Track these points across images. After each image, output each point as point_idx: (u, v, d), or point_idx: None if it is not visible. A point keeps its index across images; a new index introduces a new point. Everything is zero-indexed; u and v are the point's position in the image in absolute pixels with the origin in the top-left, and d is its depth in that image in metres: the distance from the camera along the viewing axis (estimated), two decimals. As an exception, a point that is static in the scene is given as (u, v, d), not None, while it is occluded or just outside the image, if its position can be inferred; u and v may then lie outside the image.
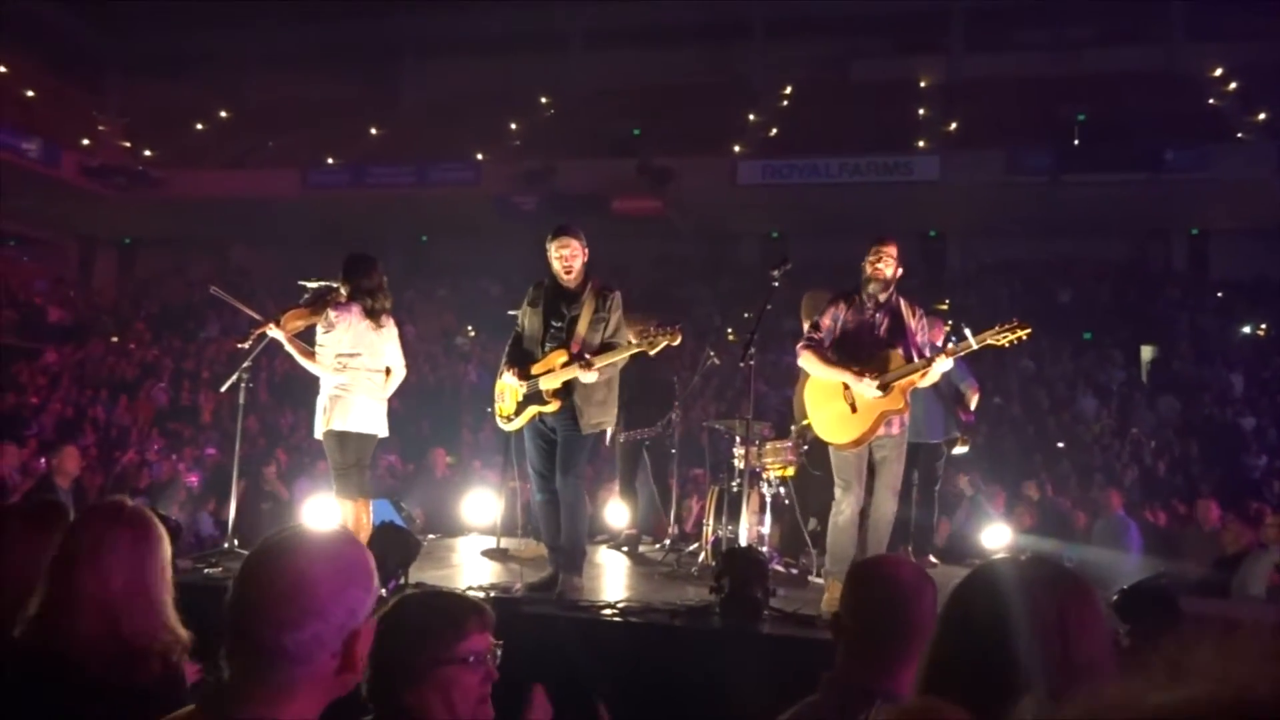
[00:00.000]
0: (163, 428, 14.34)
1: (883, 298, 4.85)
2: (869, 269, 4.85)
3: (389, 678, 1.73)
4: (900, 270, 4.91)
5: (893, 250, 4.86)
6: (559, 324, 4.82)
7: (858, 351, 4.77)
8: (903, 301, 4.92)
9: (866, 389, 4.65)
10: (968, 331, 4.70)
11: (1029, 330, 4.68)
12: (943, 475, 6.88)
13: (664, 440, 7.07)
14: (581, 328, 4.74)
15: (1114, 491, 8.94)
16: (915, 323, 4.90)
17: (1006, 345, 4.76)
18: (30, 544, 2.09)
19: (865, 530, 4.79)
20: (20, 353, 18.09)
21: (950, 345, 4.82)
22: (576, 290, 4.84)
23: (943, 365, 4.70)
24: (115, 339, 19.83)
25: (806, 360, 4.86)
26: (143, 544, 1.98)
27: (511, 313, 5.19)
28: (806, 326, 4.91)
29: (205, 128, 26.23)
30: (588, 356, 4.68)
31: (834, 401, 4.78)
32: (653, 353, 4.84)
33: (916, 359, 4.73)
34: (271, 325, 5.27)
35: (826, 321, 4.87)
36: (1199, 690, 0.51)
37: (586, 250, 4.87)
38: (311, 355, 5.21)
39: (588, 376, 4.64)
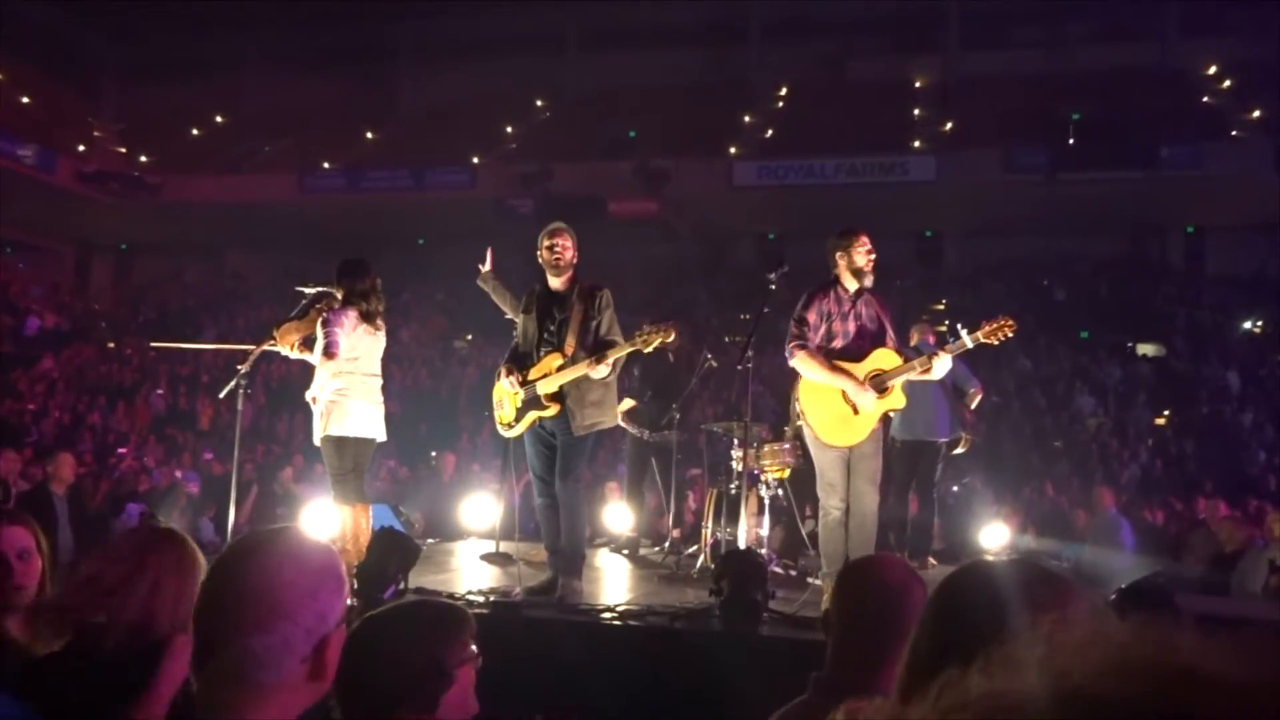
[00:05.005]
0: (160, 434, 14.31)
1: (862, 290, 4.80)
2: (862, 259, 4.74)
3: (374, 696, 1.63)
4: None
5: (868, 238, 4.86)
6: (552, 328, 4.85)
7: (848, 348, 4.73)
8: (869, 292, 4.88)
9: (867, 401, 4.62)
10: (964, 331, 4.71)
11: (1013, 325, 4.72)
12: (940, 475, 6.88)
13: (670, 442, 7.06)
14: (573, 329, 4.76)
15: (1106, 490, 8.94)
16: (885, 311, 4.85)
17: (996, 343, 4.77)
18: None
19: (848, 528, 4.70)
20: (17, 360, 18.06)
21: (948, 345, 4.80)
22: (566, 293, 4.86)
23: (943, 363, 4.71)
24: (112, 344, 19.80)
25: (802, 362, 4.73)
26: (184, 566, 1.98)
27: (509, 317, 5.18)
28: (792, 324, 4.80)
29: (201, 133, 26.22)
30: (585, 355, 4.68)
31: (834, 403, 4.70)
32: (648, 350, 4.82)
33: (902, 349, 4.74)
34: (268, 343, 5.26)
35: (812, 317, 4.74)
36: (1021, 681, 0.53)
37: (576, 252, 4.88)
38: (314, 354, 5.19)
39: (598, 371, 4.63)
